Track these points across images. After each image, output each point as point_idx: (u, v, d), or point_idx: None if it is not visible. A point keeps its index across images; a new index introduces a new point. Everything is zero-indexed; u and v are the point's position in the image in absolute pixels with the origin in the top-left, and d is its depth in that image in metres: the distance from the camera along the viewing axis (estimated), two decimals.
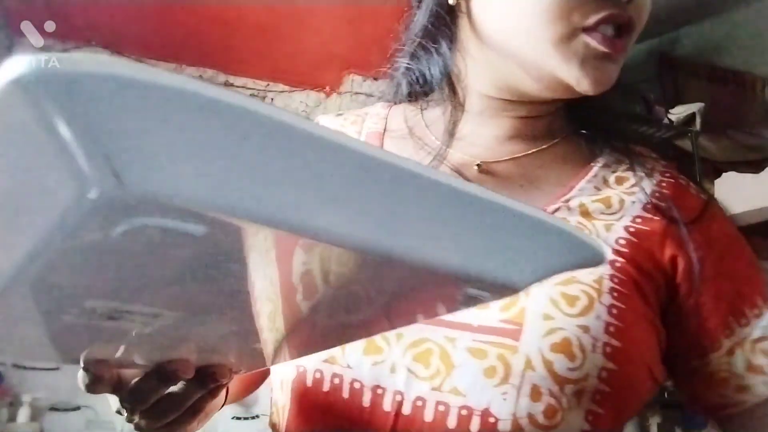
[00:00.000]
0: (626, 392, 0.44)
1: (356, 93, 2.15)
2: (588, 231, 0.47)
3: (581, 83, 0.46)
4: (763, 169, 2.72)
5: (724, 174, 2.58)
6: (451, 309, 0.32)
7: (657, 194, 0.50)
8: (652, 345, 0.46)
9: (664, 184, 0.51)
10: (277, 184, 0.17)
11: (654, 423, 2.16)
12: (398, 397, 0.43)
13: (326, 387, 0.46)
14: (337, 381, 0.45)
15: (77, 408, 1.80)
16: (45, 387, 1.79)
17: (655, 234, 0.48)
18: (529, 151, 0.53)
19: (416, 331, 0.44)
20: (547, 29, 0.45)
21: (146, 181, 0.15)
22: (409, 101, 0.59)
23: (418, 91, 0.57)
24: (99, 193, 0.15)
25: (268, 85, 2.31)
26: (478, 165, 0.52)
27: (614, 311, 0.44)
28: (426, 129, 0.56)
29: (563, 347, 0.42)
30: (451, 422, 0.42)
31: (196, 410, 0.41)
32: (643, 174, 0.51)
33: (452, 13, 0.52)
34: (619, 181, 0.51)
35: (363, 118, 0.61)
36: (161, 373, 0.35)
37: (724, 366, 0.47)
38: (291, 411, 0.49)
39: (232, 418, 1.80)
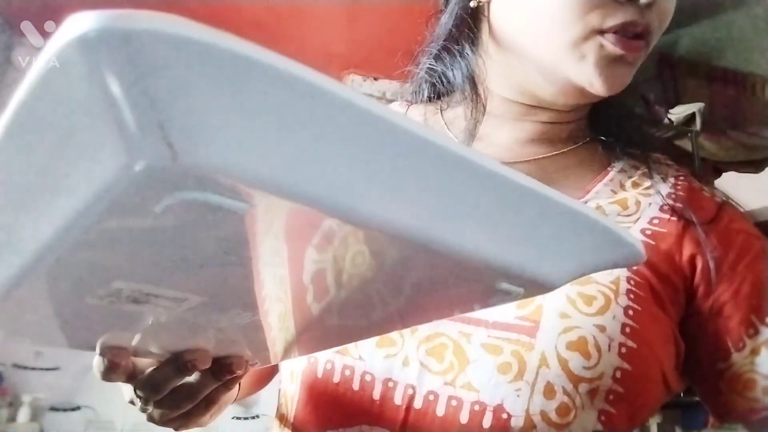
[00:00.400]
0: (640, 394, 0.44)
1: None
2: None
3: (594, 84, 0.46)
4: (763, 169, 2.72)
5: (724, 174, 2.58)
6: (482, 306, 0.32)
7: (672, 196, 0.50)
8: (667, 350, 0.46)
9: (679, 187, 0.51)
10: (331, 165, 0.16)
11: (654, 423, 2.16)
12: (410, 391, 0.43)
13: (337, 378, 0.45)
14: (348, 372, 0.45)
15: (77, 408, 1.80)
16: (45, 387, 1.79)
17: (671, 235, 0.47)
18: (549, 154, 0.53)
19: (430, 325, 0.44)
20: (563, 31, 0.46)
21: (200, 154, 0.14)
22: (428, 101, 0.59)
23: (441, 92, 0.57)
24: (147, 164, 0.14)
25: None
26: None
27: (630, 312, 0.43)
28: (446, 128, 0.56)
29: (579, 345, 0.41)
30: (464, 417, 0.41)
31: (210, 402, 0.40)
32: (658, 178, 0.51)
33: (475, 16, 0.53)
34: (635, 185, 0.51)
35: None
36: (178, 362, 0.34)
37: (749, 367, 0.46)
38: (300, 402, 0.48)
39: (232, 418, 1.80)
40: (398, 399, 0.43)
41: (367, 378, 0.44)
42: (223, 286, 0.25)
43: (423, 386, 0.43)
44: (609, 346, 0.42)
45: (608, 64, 0.46)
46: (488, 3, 0.51)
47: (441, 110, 0.58)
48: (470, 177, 0.19)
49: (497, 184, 0.20)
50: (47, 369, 1.82)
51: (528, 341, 0.42)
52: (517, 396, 0.41)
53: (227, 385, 0.40)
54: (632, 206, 0.49)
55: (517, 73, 0.51)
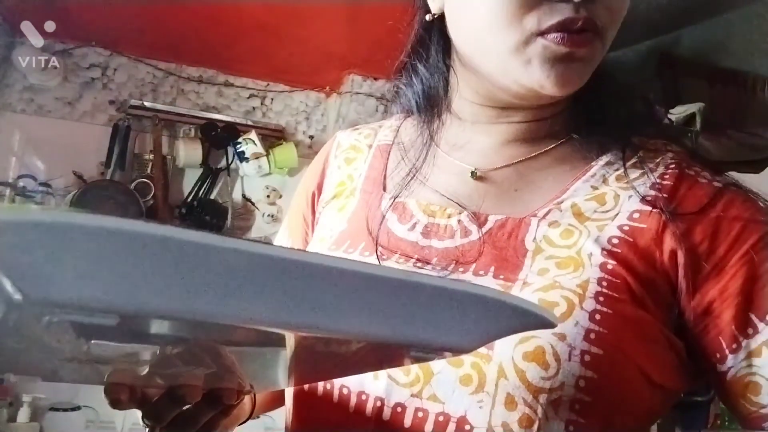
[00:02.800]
0: (613, 401, 0.42)
1: (356, 93, 2.15)
2: (579, 233, 0.46)
3: (545, 86, 0.46)
4: (763, 169, 2.72)
5: (724, 174, 2.58)
6: (407, 363, 0.38)
7: (658, 186, 0.47)
8: (650, 351, 0.43)
9: (667, 176, 0.48)
10: (156, 288, 0.22)
11: (654, 423, 2.16)
12: (378, 403, 0.45)
13: (320, 392, 0.48)
14: (329, 386, 0.47)
15: (77, 408, 1.80)
16: (45, 387, 1.79)
17: (651, 231, 0.45)
18: (529, 156, 0.53)
19: None
20: (502, 38, 0.46)
21: (43, 293, 0.21)
22: (420, 112, 0.59)
23: (421, 104, 0.58)
24: (7, 306, 0.22)
25: (268, 85, 2.31)
26: (472, 173, 0.53)
27: (597, 317, 0.42)
28: (432, 139, 0.58)
29: (536, 356, 0.41)
30: (428, 428, 0.42)
31: (210, 427, 0.44)
32: (645, 168, 0.49)
33: (439, 30, 0.54)
34: (620, 178, 0.49)
35: (377, 131, 0.63)
36: (172, 395, 0.39)
37: (748, 369, 0.43)
38: (293, 414, 0.51)
39: None
40: (369, 411, 0.45)
41: (344, 391, 0.47)
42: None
43: (391, 398, 0.44)
44: (569, 354, 0.40)
45: (555, 63, 0.45)
46: (443, 16, 0.52)
47: (435, 121, 0.58)
48: (353, 282, 0.25)
49: (374, 283, 0.25)
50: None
51: (486, 353, 0.41)
52: (480, 407, 0.41)
53: (224, 412, 0.44)
54: (611, 201, 0.48)
55: (480, 81, 0.51)
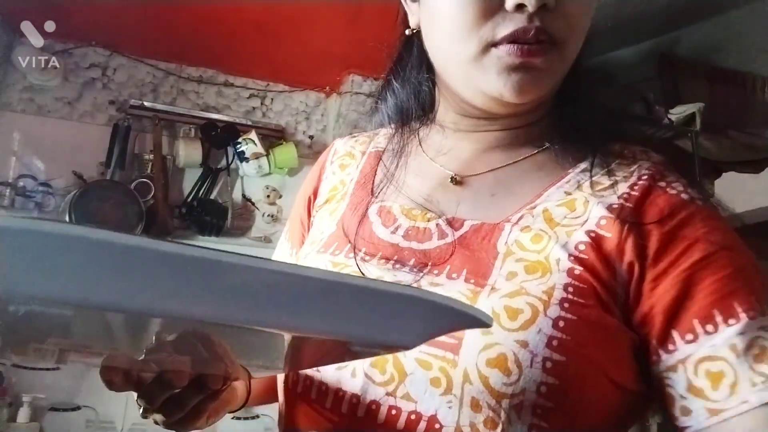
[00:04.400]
0: (575, 405, 0.42)
1: (356, 93, 2.15)
2: (548, 238, 0.47)
3: (504, 94, 0.48)
4: (763, 169, 2.72)
5: (724, 174, 2.58)
6: (351, 359, 0.44)
7: (625, 195, 0.48)
8: (616, 355, 0.44)
9: (636, 187, 0.49)
10: (102, 284, 0.26)
11: (654, 423, 2.16)
12: (354, 400, 0.46)
13: (299, 389, 0.50)
14: (308, 383, 0.50)
15: (77, 408, 1.80)
16: (45, 387, 1.79)
17: (614, 239, 0.46)
18: (507, 163, 0.54)
19: None
20: (461, 48, 0.48)
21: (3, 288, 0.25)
22: (392, 125, 0.63)
23: (393, 118, 0.61)
24: None
25: (268, 85, 2.31)
26: (452, 178, 0.55)
27: (561, 324, 0.42)
28: (419, 146, 0.60)
29: (498, 362, 0.41)
30: (401, 425, 0.44)
31: (199, 410, 0.47)
32: (619, 177, 0.50)
33: (417, 44, 0.56)
34: (594, 185, 0.50)
35: (372, 139, 0.66)
36: (161, 380, 0.42)
37: (667, 382, 0.44)
38: (281, 411, 0.54)
39: (232, 418, 1.80)
40: (344, 407, 0.47)
41: (323, 388, 0.49)
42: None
43: (367, 396, 0.46)
44: (531, 361, 0.41)
45: (510, 73, 0.47)
46: (419, 32, 0.55)
47: (417, 129, 0.61)
48: (310, 286, 0.28)
49: (319, 286, 0.28)
50: (47, 369, 1.82)
51: (452, 358, 0.43)
52: (449, 408, 0.42)
53: (211, 397, 0.46)
54: (580, 207, 0.49)
55: (456, 91, 0.53)
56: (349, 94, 2.19)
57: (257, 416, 1.84)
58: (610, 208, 0.47)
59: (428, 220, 0.53)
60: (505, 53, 0.46)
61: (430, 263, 0.49)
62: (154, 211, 2.02)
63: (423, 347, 0.43)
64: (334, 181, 0.64)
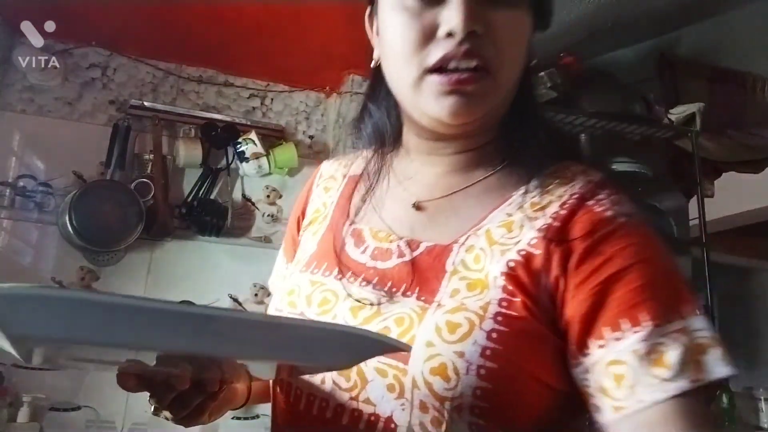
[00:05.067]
0: (508, 406, 0.48)
1: (356, 93, 2.15)
2: (487, 257, 0.53)
3: (441, 116, 0.54)
4: (763, 169, 2.72)
5: (724, 174, 2.58)
6: (304, 373, 0.54)
7: (554, 215, 0.53)
8: (543, 359, 0.50)
9: (566, 206, 0.54)
10: (116, 332, 0.35)
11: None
12: (323, 404, 0.54)
13: (280, 392, 0.58)
14: (287, 388, 0.57)
15: (77, 408, 1.80)
16: (45, 387, 1.79)
17: (542, 257, 0.51)
18: (464, 186, 0.60)
19: None
20: (404, 74, 0.54)
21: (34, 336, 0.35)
22: (373, 146, 0.68)
23: (373, 139, 0.66)
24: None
25: (268, 85, 2.31)
26: (414, 203, 0.61)
27: (494, 335, 0.48)
28: (392, 170, 0.66)
29: (440, 371, 0.48)
30: (362, 426, 0.51)
31: (202, 408, 0.54)
32: (553, 197, 0.55)
33: (383, 73, 0.61)
34: (534, 205, 0.55)
35: (353, 162, 0.72)
36: (167, 383, 0.48)
37: (584, 383, 0.50)
38: (274, 406, 0.62)
39: (232, 418, 1.80)
40: (315, 410, 0.54)
41: (297, 392, 0.56)
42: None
43: (333, 400, 0.53)
44: (467, 369, 0.47)
45: (443, 98, 0.52)
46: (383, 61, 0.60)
47: (390, 154, 0.67)
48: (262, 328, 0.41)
49: (273, 328, 0.42)
50: (47, 369, 1.81)
51: (403, 367, 0.50)
52: (402, 410, 0.49)
53: (211, 397, 0.54)
54: (516, 228, 0.54)
55: (408, 114, 0.59)
56: (349, 94, 2.19)
57: (257, 416, 1.84)
58: (540, 228, 0.53)
59: (391, 242, 0.59)
60: (436, 81, 0.52)
61: (390, 282, 0.56)
62: (154, 211, 2.02)
63: (380, 358, 0.50)
64: (318, 204, 0.70)
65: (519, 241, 0.53)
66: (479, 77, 0.52)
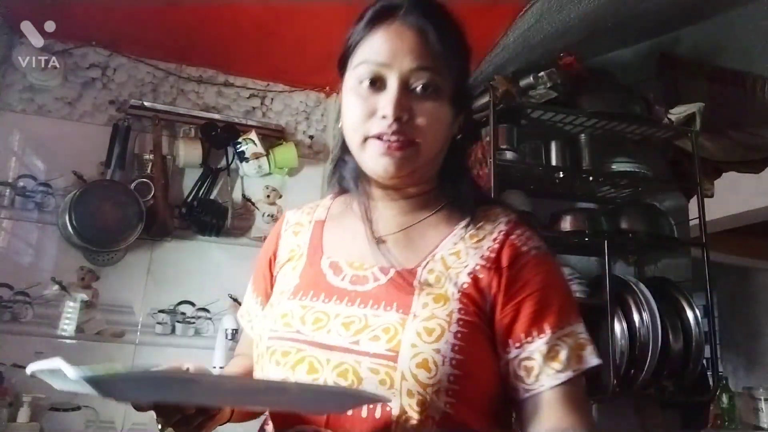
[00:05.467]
0: (470, 387, 0.67)
1: None
2: (445, 278, 0.72)
3: (378, 173, 0.73)
4: (763, 169, 2.72)
5: (724, 174, 2.57)
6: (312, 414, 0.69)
7: (490, 248, 0.74)
8: (489, 354, 0.70)
9: (497, 240, 0.75)
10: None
11: (654, 423, 2.16)
12: None
13: None
14: None
15: (77, 408, 1.80)
16: (45, 387, 1.79)
17: (486, 278, 0.72)
18: (415, 222, 0.78)
19: (338, 357, 0.68)
20: (352, 138, 0.74)
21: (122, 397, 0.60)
22: (348, 191, 0.85)
23: (359, 179, 0.81)
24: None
25: (268, 85, 2.31)
26: (377, 239, 0.77)
27: (459, 335, 0.67)
28: (353, 214, 0.81)
29: (423, 365, 0.65)
30: (363, 413, 0.66)
31: (200, 427, 0.69)
32: (485, 232, 0.76)
33: None
34: (472, 237, 0.76)
35: (315, 209, 0.89)
36: (174, 407, 0.65)
37: (507, 371, 0.70)
38: (271, 415, 0.74)
39: None
40: None
41: None
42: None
43: None
44: (443, 361, 0.65)
45: (379, 158, 0.72)
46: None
47: (352, 200, 0.83)
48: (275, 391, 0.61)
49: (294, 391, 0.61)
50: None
51: (393, 365, 0.66)
52: (393, 397, 0.65)
53: (210, 418, 0.71)
54: (464, 256, 0.74)
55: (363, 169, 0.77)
56: None
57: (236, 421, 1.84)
58: (482, 256, 0.73)
59: (365, 269, 0.75)
60: (374, 146, 0.72)
61: (371, 300, 0.71)
62: (154, 211, 2.02)
63: (373, 359, 0.66)
64: (291, 245, 0.85)
65: (467, 266, 0.73)
66: (405, 146, 0.71)
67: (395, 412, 0.64)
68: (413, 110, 0.71)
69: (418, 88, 0.72)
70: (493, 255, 0.73)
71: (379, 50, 0.72)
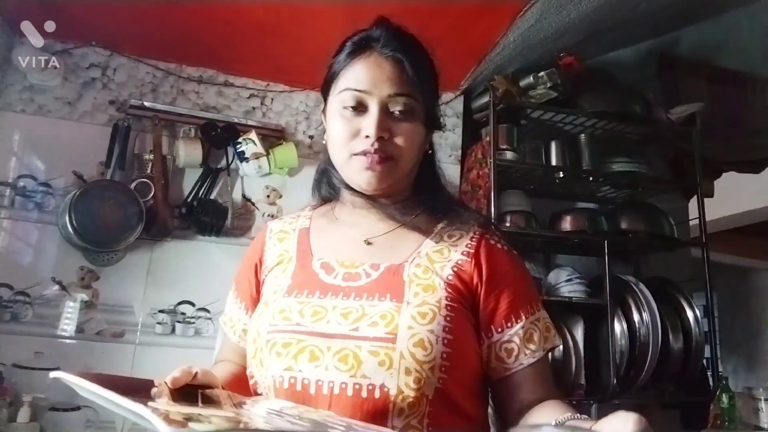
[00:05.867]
0: (459, 364, 0.76)
1: None
2: (431, 271, 0.81)
3: (361, 185, 0.84)
4: (763, 169, 2.72)
5: (724, 174, 2.58)
6: None
7: (469, 245, 0.85)
8: (473, 337, 0.80)
9: (474, 239, 0.86)
10: None
11: (654, 423, 2.16)
12: (331, 385, 0.73)
13: (285, 385, 0.75)
14: (293, 381, 0.75)
15: (77, 408, 1.80)
16: (45, 387, 1.79)
17: (468, 271, 0.82)
18: (396, 227, 0.88)
19: (338, 344, 0.74)
20: (339, 154, 0.85)
21: None
22: (329, 201, 0.95)
23: (332, 195, 0.94)
24: None
25: (268, 85, 2.31)
26: (365, 240, 0.87)
27: (448, 319, 0.76)
28: (337, 221, 0.91)
29: (420, 344, 0.73)
30: (364, 393, 0.72)
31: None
32: (462, 232, 0.87)
33: None
34: (450, 236, 0.87)
35: (297, 219, 0.97)
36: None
37: (488, 353, 0.81)
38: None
39: None
40: (325, 390, 0.73)
41: (306, 382, 0.74)
42: None
43: (338, 380, 0.73)
44: (437, 340, 0.74)
45: (363, 172, 0.82)
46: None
47: (333, 208, 0.94)
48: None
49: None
50: (47, 369, 1.82)
51: (392, 346, 0.73)
52: (391, 377, 0.72)
53: None
54: (446, 252, 0.84)
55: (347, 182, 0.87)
56: None
57: None
58: (462, 252, 0.84)
59: (357, 267, 0.83)
60: (358, 161, 0.82)
61: (365, 293, 0.79)
62: (154, 211, 2.02)
63: (372, 343, 0.73)
64: (279, 251, 0.92)
65: (450, 260, 0.83)
66: (385, 161, 0.82)
67: (393, 392, 0.71)
68: (392, 130, 0.82)
69: (396, 112, 0.82)
70: (472, 251, 0.84)
71: (360, 78, 0.82)
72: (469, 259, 0.83)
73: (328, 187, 0.95)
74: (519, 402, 0.78)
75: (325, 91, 0.89)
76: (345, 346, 0.73)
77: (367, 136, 0.81)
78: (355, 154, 0.82)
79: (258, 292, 0.91)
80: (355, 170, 0.83)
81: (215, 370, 0.90)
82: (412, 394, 0.72)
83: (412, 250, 0.84)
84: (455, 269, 0.82)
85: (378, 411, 0.71)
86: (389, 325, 0.74)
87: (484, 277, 0.82)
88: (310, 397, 0.73)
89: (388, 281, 0.80)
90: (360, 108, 0.82)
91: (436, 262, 0.82)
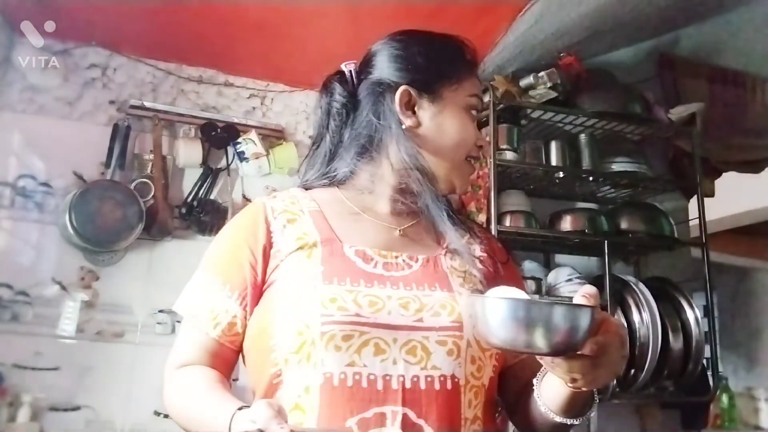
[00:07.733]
0: (501, 353, 0.78)
1: None
2: (464, 263, 0.84)
3: (461, 187, 0.89)
4: (763, 169, 2.72)
5: (724, 174, 2.57)
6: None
7: (485, 241, 0.91)
8: None
9: (484, 241, 0.91)
10: None
11: (654, 423, 2.16)
12: (401, 378, 0.70)
13: (350, 383, 0.69)
14: (357, 377, 0.70)
15: (77, 408, 1.80)
16: (45, 387, 1.79)
17: (487, 265, 0.87)
18: (412, 222, 0.87)
19: (404, 335, 0.72)
20: (454, 152, 0.86)
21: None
22: (323, 185, 0.90)
23: (340, 178, 0.89)
24: None
25: (268, 85, 2.31)
26: (399, 230, 0.85)
27: None
28: (347, 202, 0.86)
29: None
30: (436, 385, 0.71)
31: None
32: (472, 234, 0.91)
33: (377, 139, 0.87)
34: (462, 236, 0.88)
35: (296, 199, 0.87)
36: None
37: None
38: (322, 407, 0.69)
39: None
40: (395, 385, 0.70)
41: (372, 377, 0.70)
42: None
43: (409, 373, 0.71)
44: None
45: (468, 177, 0.89)
46: (416, 128, 0.87)
47: (340, 189, 0.88)
48: None
49: None
50: (47, 369, 1.82)
51: (460, 335, 0.74)
52: (459, 366, 0.73)
53: None
54: (472, 246, 0.88)
55: (391, 176, 0.86)
56: None
57: None
58: (480, 249, 0.89)
59: (395, 257, 0.81)
60: (469, 166, 0.89)
61: (414, 283, 0.77)
62: (154, 211, 2.02)
63: (440, 333, 0.73)
64: (295, 233, 0.81)
65: (475, 253, 0.87)
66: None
67: (462, 381, 0.73)
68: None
69: None
70: (488, 248, 0.89)
71: (478, 92, 0.89)
72: (486, 255, 0.88)
73: (366, 177, 0.87)
74: (524, 380, 0.80)
75: (434, 81, 0.86)
76: (412, 337, 0.72)
77: (482, 147, 0.88)
78: (469, 158, 0.87)
79: (264, 279, 0.79)
80: (465, 173, 0.88)
81: (199, 382, 0.81)
82: (476, 383, 0.74)
83: (442, 243, 0.86)
84: (481, 258, 0.87)
85: (452, 402, 0.71)
86: (452, 314, 0.74)
87: (499, 272, 0.86)
88: (377, 393, 0.69)
89: (431, 272, 0.80)
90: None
91: (465, 255, 0.84)
